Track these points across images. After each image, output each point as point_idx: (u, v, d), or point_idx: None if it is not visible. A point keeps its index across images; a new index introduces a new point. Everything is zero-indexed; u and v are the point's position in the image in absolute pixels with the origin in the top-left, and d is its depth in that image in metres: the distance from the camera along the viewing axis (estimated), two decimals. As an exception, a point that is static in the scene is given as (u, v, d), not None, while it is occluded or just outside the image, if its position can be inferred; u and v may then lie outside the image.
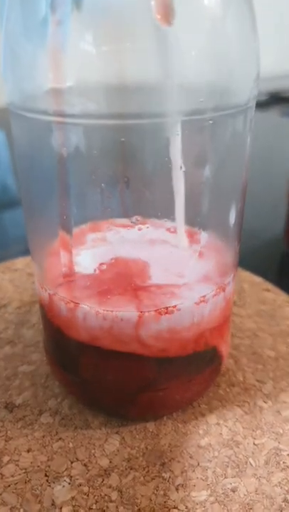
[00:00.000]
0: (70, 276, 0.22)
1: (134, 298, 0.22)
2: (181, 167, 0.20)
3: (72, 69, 0.18)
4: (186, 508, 0.22)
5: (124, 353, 0.24)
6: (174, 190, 0.21)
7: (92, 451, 0.25)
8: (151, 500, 0.23)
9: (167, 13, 0.17)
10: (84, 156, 0.20)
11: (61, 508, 0.22)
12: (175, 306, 0.22)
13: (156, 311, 0.22)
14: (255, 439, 0.26)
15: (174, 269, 0.23)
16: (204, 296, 0.23)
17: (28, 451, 0.25)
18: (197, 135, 0.20)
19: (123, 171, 0.21)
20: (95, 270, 0.23)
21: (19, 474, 0.24)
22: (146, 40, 0.18)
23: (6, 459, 0.25)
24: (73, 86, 0.18)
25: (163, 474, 0.24)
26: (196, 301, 0.23)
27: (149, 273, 0.23)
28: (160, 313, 0.22)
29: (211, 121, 0.20)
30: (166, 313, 0.22)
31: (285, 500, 0.22)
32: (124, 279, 0.22)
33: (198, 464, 0.24)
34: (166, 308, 0.22)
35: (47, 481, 0.23)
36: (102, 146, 0.20)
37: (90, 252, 0.23)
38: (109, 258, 0.22)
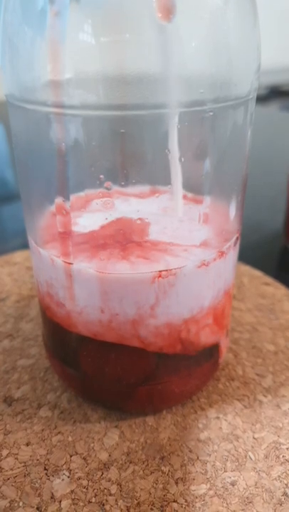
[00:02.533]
0: (65, 234, 0.22)
1: (125, 250, 0.22)
2: (180, 158, 0.20)
3: (71, 60, 0.18)
4: (186, 501, 0.22)
5: (123, 345, 0.23)
6: (172, 181, 0.21)
7: (92, 444, 0.25)
8: (150, 493, 0.22)
9: (168, 12, 0.17)
10: (83, 147, 0.20)
11: (60, 501, 0.22)
12: (170, 270, 0.22)
13: (153, 273, 0.22)
14: (254, 432, 0.26)
15: (175, 232, 0.23)
16: (205, 260, 0.23)
17: (27, 444, 0.25)
18: (197, 127, 0.20)
19: (122, 162, 0.21)
20: (92, 228, 0.22)
21: (18, 468, 0.24)
22: (145, 31, 0.18)
23: (5, 452, 0.24)
24: (72, 77, 0.18)
25: (162, 468, 0.24)
26: (198, 264, 0.22)
27: (148, 231, 0.23)
28: (160, 276, 0.22)
29: (211, 113, 0.19)
30: (160, 276, 0.22)
31: (284, 493, 0.22)
32: (120, 235, 0.22)
33: (198, 458, 0.24)
34: (160, 272, 0.22)
35: (46, 474, 0.23)
36: (102, 137, 0.20)
37: (90, 215, 0.23)
38: (110, 219, 0.22)
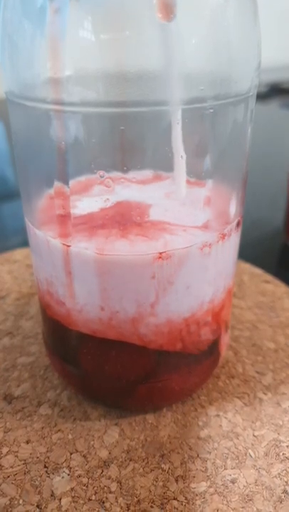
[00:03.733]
0: (64, 216, 0.22)
1: (124, 229, 0.22)
2: (181, 156, 0.20)
3: (71, 57, 0.18)
4: (186, 499, 0.22)
5: (123, 343, 0.23)
6: (175, 179, 0.20)
7: (92, 442, 0.25)
8: (150, 491, 0.22)
9: (168, 12, 0.17)
10: (83, 144, 0.20)
11: (60, 499, 0.22)
12: (170, 251, 0.21)
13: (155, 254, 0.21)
14: (254, 430, 0.26)
15: (176, 215, 0.23)
16: (207, 242, 0.22)
17: (27, 442, 0.25)
18: (198, 124, 0.20)
19: (122, 159, 0.21)
20: (91, 211, 0.22)
21: (18, 465, 0.24)
22: (146, 28, 0.18)
23: (5, 450, 0.24)
24: (72, 74, 0.18)
25: (162, 466, 0.24)
26: (200, 246, 0.22)
27: (149, 213, 0.22)
28: (160, 258, 0.21)
29: (211, 110, 0.19)
30: (160, 258, 0.21)
31: (284, 491, 0.22)
32: (119, 216, 0.22)
33: (198, 456, 0.24)
34: (161, 253, 0.21)
35: (46, 472, 0.23)
36: (102, 134, 0.20)
37: (90, 199, 0.22)
38: (110, 203, 0.21)
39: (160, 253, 0.21)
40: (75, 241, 0.22)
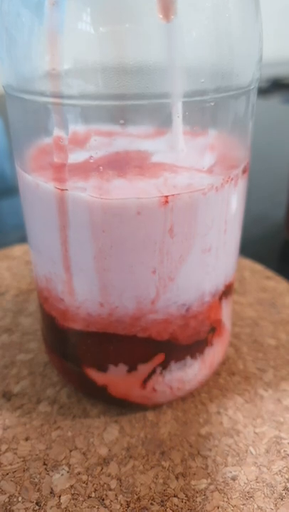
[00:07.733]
0: (60, 165, 0.20)
1: (121, 170, 0.20)
2: (182, 149, 0.19)
3: (70, 50, 0.18)
4: (186, 496, 0.22)
5: (122, 339, 0.23)
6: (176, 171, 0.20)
7: (91, 439, 0.25)
8: (150, 488, 0.22)
9: (169, 13, 0.17)
10: (82, 137, 0.19)
11: (60, 496, 0.22)
12: (178, 195, 0.20)
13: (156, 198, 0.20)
14: (255, 427, 0.25)
15: (179, 160, 0.21)
16: (212, 185, 0.21)
17: (27, 439, 0.25)
18: (198, 117, 0.19)
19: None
20: (89, 158, 0.20)
21: (17, 463, 0.24)
22: (145, 20, 0.17)
23: (4, 447, 0.24)
24: (71, 67, 0.18)
25: (162, 463, 0.24)
26: (205, 189, 0.21)
27: (150, 159, 0.21)
28: (166, 202, 0.20)
29: (212, 103, 0.19)
30: (166, 202, 0.20)
31: (285, 488, 0.22)
32: (118, 161, 0.21)
33: (198, 453, 0.24)
34: (167, 196, 0.20)
35: (45, 469, 0.23)
36: (101, 128, 0.20)
37: (88, 150, 0.21)
38: (110, 151, 0.20)
39: (166, 196, 0.20)
40: (71, 183, 0.20)
